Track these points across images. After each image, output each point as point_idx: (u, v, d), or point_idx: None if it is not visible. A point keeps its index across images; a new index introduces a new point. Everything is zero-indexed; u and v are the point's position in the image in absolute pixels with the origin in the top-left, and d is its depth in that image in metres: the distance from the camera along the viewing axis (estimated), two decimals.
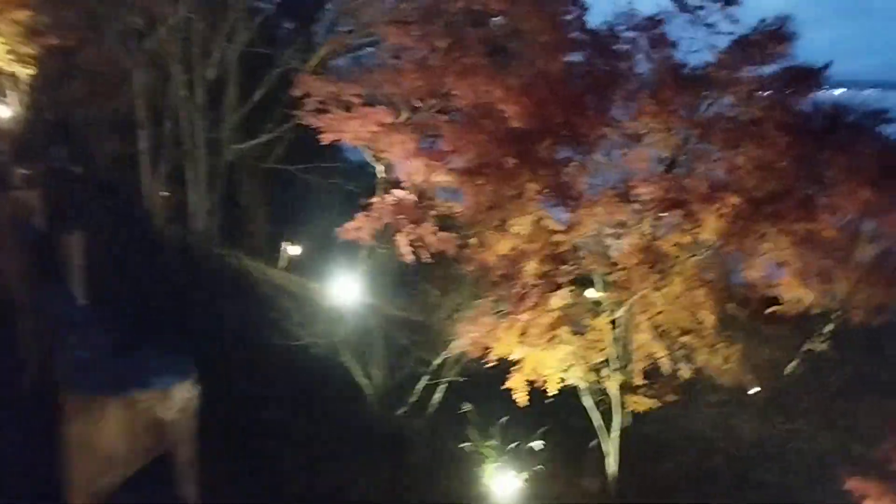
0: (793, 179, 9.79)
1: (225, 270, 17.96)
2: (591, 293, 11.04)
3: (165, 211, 18.46)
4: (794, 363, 12.51)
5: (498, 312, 11.17)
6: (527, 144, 10.36)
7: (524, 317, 10.12)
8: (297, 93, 17.61)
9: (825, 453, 13.03)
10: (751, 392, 11.78)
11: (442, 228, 18.41)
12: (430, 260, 17.77)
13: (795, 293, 11.40)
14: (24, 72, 22.69)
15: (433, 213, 18.75)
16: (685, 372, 10.93)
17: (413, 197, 19.07)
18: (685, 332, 10.93)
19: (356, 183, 21.64)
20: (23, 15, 21.05)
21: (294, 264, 20.27)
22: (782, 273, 10.88)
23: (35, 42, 21.67)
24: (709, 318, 10.44)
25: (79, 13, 20.87)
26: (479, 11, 18.47)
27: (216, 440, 9.97)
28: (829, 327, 13.77)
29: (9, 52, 21.74)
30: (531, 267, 10.36)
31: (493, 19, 19.51)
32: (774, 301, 11.82)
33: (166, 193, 18.78)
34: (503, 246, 11.18)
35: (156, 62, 18.26)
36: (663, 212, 9.49)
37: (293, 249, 20.37)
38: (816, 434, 13.53)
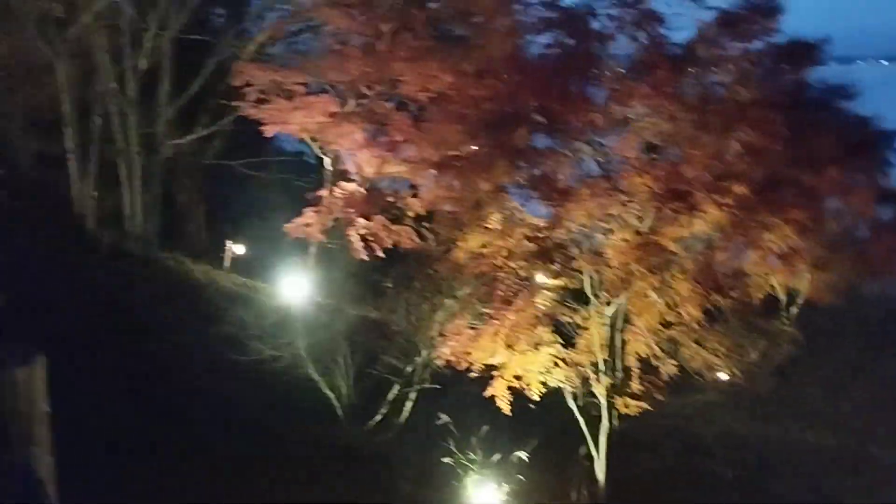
0: (787, 163, 9.06)
1: (165, 273, 16.58)
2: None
3: (97, 213, 16.90)
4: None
5: (476, 315, 10.20)
6: (500, 132, 9.33)
7: (508, 320, 9.16)
8: (235, 82, 16.32)
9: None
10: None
11: (395, 222, 17.50)
12: (384, 255, 16.85)
13: (787, 281, 10.73)
14: None
15: (386, 206, 17.84)
16: (671, 369, 10.14)
17: (363, 190, 18.13)
18: (670, 327, 10.14)
19: (301, 177, 20.48)
20: None
21: (239, 264, 19.00)
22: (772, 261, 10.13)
23: None
24: (695, 312, 9.63)
25: None
26: None
27: (164, 471, 8.84)
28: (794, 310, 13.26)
29: None
30: (512, 266, 9.38)
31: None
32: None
33: (96, 194, 17.19)
34: (474, 242, 10.18)
35: (80, 53, 16.60)
36: (663, 203, 8.62)
37: (238, 248, 19.08)
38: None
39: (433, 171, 14.15)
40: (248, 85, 16.65)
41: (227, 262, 19.10)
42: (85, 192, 16.86)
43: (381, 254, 17.11)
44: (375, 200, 17.97)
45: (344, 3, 17.33)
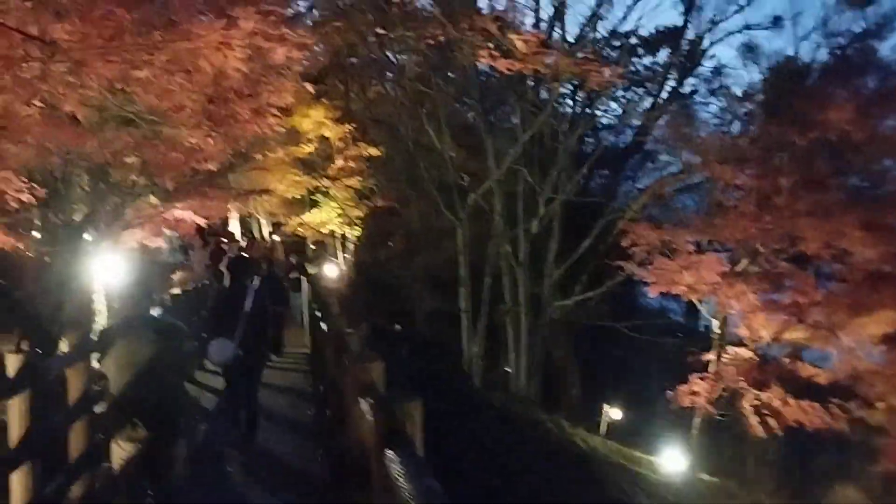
0: None
1: (546, 436, 16.01)
2: None
3: (483, 371, 17.12)
4: None
5: None
6: None
7: None
8: (624, 242, 15.87)
9: None
10: None
11: (798, 395, 15.37)
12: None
13: None
14: (352, 233, 23.42)
15: (785, 376, 15.83)
16: None
17: (756, 356, 16.37)
18: None
19: (685, 341, 19.18)
20: (355, 181, 21.87)
21: (616, 430, 17.91)
22: None
23: (363, 204, 22.34)
24: None
25: (402, 174, 21.30)
26: (834, 143, 15.80)
27: None
28: None
29: (340, 215, 22.55)
30: None
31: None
32: None
33: (480, 351, 17.50)
34: None
35: (477, 217, 17.49)
36: None
37: (614, 413, 18.02)
38: None
39: (848, 340, 12.16)
40: (634, 244, 16.15)
41: (603, 427, 18.14)
42: (474, 351, 17.26)
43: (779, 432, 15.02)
44: (772, 369, 16.10)
45: (737, 157, 16.35)
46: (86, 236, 11.70)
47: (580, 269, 18.62)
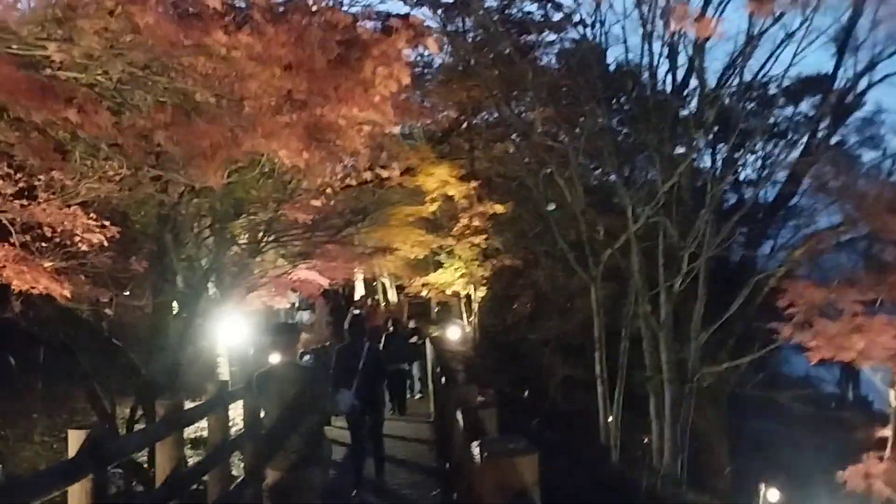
0: None
1: None
2: None
3: (620, 443, 15.56)
4: None
5: None
6: None
7: None
8: (781, 302, 14.13)
9: None
10: None
11: None
12: None
13: None
14: (476, 294, 22.56)
15: None
16: None
17: None
18: None
19: (840, 412, 17.08)
20: (480, 240, 21.13)
21: None
22: None
23: (488, 264, 21.52)
24: None
25: (529, 233, 20.38)
26: None
27: None
28: None
29: (464, 276, 21.79)
30: None
31: None
32: None
33: (617, 422, 15.95)
34: None
35: (610, 276, 16.18)
36: None
37: (772, 495, 15.97)
38: None
39: None
40: (791, 305, 14.38)
41: None
42: (610, 422, 15.76)
43: None
44: None
45: None
46: (209, 294, 11.31)
47: (727, 333, 16.88)
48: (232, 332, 14.18)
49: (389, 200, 23.81)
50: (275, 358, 5.98)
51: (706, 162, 20.73)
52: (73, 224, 6.77)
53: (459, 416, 6.73)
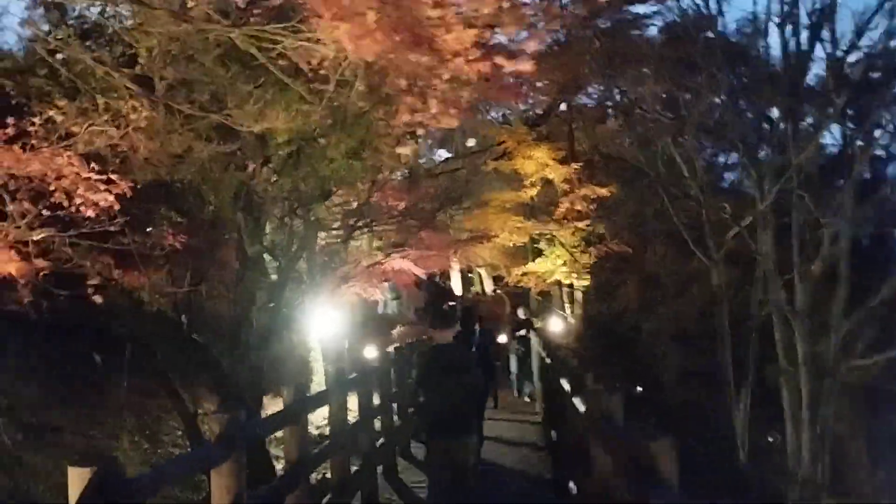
0: None
1: None
2: None
3: (750, 443, 13.94)
4: None
5: None
6: None
7: None
8: None
9: None
10: None
11: None
12: None
13: None
14: (580, 283, 21.13)
15: None
16: None
17: None
18: None
19: None
20: (582, 225, 19.73)
21: None
22: None
23: (591, 250, 20.07)
24: None
25: (638, 216, 18.85)
26: None
27: None
28: None
29: (566, 263, 20.41)
30: None
31: None
32: None
33: (746, 420, 14.31)
34: None
35: (732, 260, 14.52)
36: None
37: None
38: None
39: None
40: None
41: None
42: (737, 419, 14.13)
43: None
44: None
45: None
46: (299, 285, 10.46)
47: (867, 322, 14.92)
48: (324, 324, 13.31)
49: (485, 185, 22.67)
50: (370, 351, 5.71)
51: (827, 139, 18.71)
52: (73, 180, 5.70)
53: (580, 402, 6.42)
